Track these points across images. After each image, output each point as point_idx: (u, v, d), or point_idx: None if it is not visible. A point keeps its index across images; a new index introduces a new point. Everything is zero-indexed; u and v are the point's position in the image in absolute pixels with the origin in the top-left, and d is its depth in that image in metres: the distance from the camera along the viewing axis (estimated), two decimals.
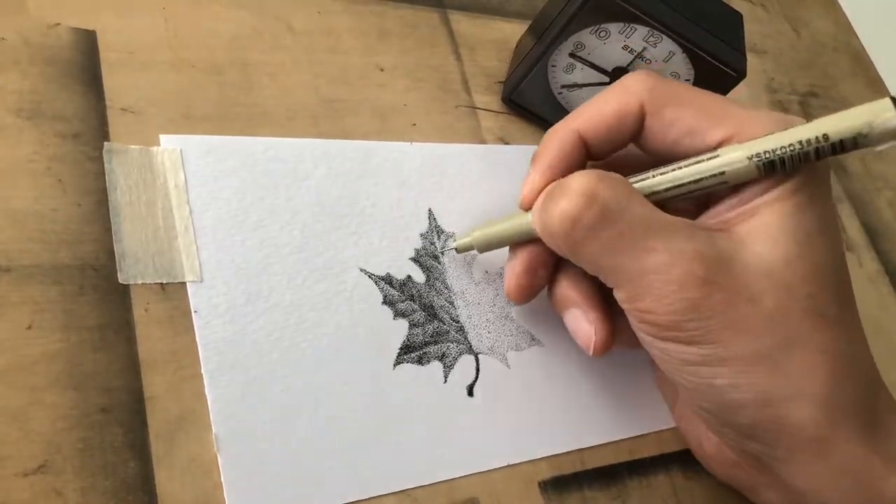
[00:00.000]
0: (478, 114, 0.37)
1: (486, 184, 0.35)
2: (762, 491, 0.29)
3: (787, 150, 0.24)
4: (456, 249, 0.31)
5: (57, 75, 0.28)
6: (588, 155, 0.28)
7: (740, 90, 0.36)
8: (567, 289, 0.29)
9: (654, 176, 0.27)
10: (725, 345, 0.25)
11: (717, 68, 0.34)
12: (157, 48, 0.31)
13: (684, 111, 0.26)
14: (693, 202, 0.28)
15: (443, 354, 0.30)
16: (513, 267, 0.30)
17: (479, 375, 0.30)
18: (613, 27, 0.34)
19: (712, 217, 0.27)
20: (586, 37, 0.35)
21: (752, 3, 0.55)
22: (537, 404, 0.31)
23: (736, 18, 0.36)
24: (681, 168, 0.26)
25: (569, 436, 0.31)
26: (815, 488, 0.26)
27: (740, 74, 0.34)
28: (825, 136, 0.24)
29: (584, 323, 0.29)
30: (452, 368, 0.30)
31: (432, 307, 0.31)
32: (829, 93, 0.53)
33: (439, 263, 0.32)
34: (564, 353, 0.32)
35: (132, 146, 0.28)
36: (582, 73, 0.36)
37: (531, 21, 0.38)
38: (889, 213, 0.49)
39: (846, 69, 0.56)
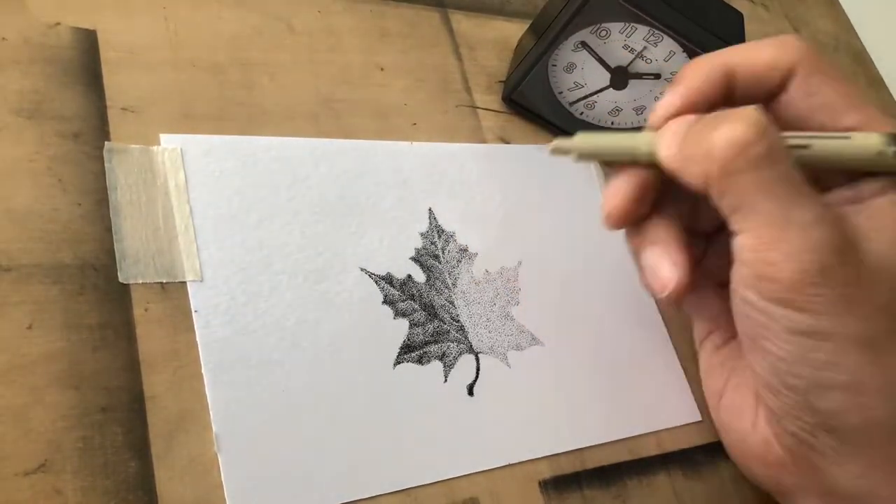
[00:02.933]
0: (478, 113, 0.37)
1: (487, 183, 0.35)
2: (799, 495, 0.28)
3: None
4: (552, 151, 0.28)
5: (57, 75, 0.28)
6: (727, 97, 0.28)
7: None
8: (657, 225, 0.28)
9: (789, 137, 0.26)
10: (837, 319, 0.24)
11: None
12: (157, 48, 0.31)
13: (831, 85, 0.27)
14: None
15: (443, 354, 0.30)
16: (619, 188, 0.28)
17: (480, 375, 0.30)
18: (614, 27, 0.34)
19: (833, 204, 0.27)
20: (587, 36, 0.35)
21: (752, 3, 0.55)
22: (537, 404, 0.31)
23: (737, 18, 0.36)
24: (813, 138, 0.26)
25: (569, 435, 0.31)
26: (865, 492, 0.26)
27: None
28: None
29: (666, 264, 0.28)
30: (453, 368, 0.30)
31: (433, 307, 0.31)
32: None
33: (440, 263, 0.32)
34: (564, 353, 0.32)
35: (132, 146, 0.28)
36: (582, 73, 0.36)
37: (532, 20, 0.38)
38: None
39: (847, 69, 0.56)
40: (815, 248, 0.24)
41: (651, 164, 0.27)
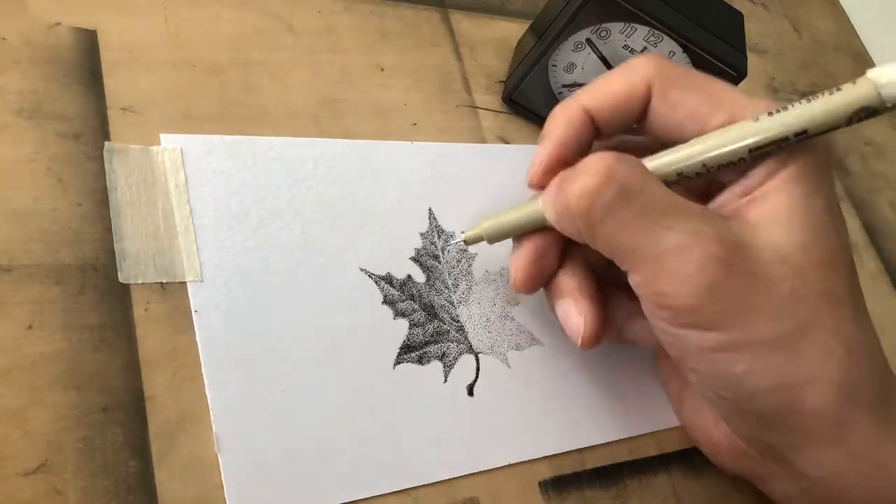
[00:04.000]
0: (478, 113, 0.37)
1: (487, 183, 0.35)
2: (773, 480, 0.29)
3: (772, 143, 0.25)
4: (465, 241, 0.30)
5: (57, 75, 0.28)
6: (595, 133, 0.28)
7: (741, 90, 0.36)
8: (562, 278, 0.29)
9: (666, 156, 0.27)
10: (744, 329, 0.25)
11: (718, 68, 0.34)
12: (157, 48, 0.31)
13: (689, 94, 0.27)
14: (696, 193, 0.28)
15: (443, 354, 0.30)
16: (519, 256, 0.29)
17: (480, 375, 0.30)
18: (614, 27, 0.34)
19: (720, 206, 0.27)
20: (587, 36, 0.34)
21: (752, 3, 0.55)
22: (537, 404, 0.31)
23: (737, 18, 0.36)
24: (693, 146, 0.26)
25: (569, 436, 0.31)
26: (830, 474, 0.26)
27: (741, 74, 0.34)
28: (804, 131, 0.24)
29: (574, 314, 0.28)
30: (452, 368, 0.30)
31: (432, 307, 0.31)
32: None
33: (439, 263, 0.32)
34: (564, 353, 0.32)
35: (133, 146, 0.28)
36: (582, 73, 0.36)
37: (532, 20, 0.38)
38: (889, 212, 0.49)
39: (847, 69, 0.56)
40: (698, 268, 0.24)
41: (545, 227, 0.28)
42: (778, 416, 0.26)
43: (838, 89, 0.24)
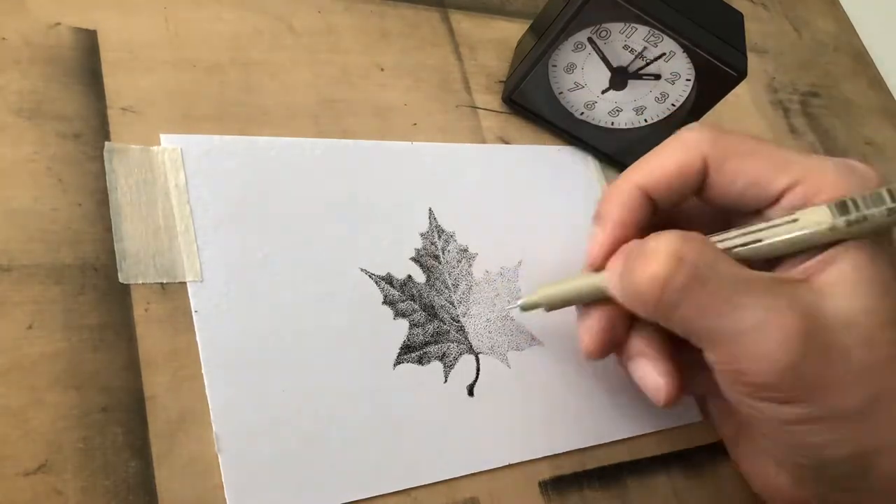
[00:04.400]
0: (478, 113, 0.37)
1: (487, 184, 0.35)
2: None
3: (870, 211, 0.25)
4: (521, 308, 0.30)
5: (57, 75, 0.28)
6: (653, 209, 0.28)
7: (741, 90, 0.36)
8: (636, 340, 0.29)
9: (734, 237, 0.26)
10: (822, 402, 0.24)
11: (718, 68, 0.34)
12: (157, 48, 0.31)
13: (747, 162, 0.26)
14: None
15: (443, 354, 0.30)
16: (590, 327, 0.29)
17: (480, 375, 0.30)
18: (614, 27, 0.34)
19: (790, 267, 0.26)
20: (587, 36, 0.34)
21: (752, 3, 0.55)
22: (537, 404, 0.31)
23: (737, 18, 0.36)
24: (760, 230, 0.26)
25: (569, 436, 0.31)
26: None
27: (741, 74, 0.34)
28: None
29: (653, 374, 0.28)
30: (453, 368, 0.30)
31: (433, 307, 0.31)
32: (831, 92, 0.53)
33: (440, 263, 0.32)
34: (564, 353, 0.32)
35: (133, 146, 0.28)
36: (583, 73, 0.36)
37: (532, 20, 0.38)
38: None
39: (847, 68, 0.56)
40: (778, 346, 0.24)
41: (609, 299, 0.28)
42: (852, 480, 0.26)
43: None
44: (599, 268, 0.28)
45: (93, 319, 0.25)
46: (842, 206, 0.25)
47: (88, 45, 0.29)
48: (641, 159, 0.28)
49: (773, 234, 0.26)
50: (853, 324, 0.24)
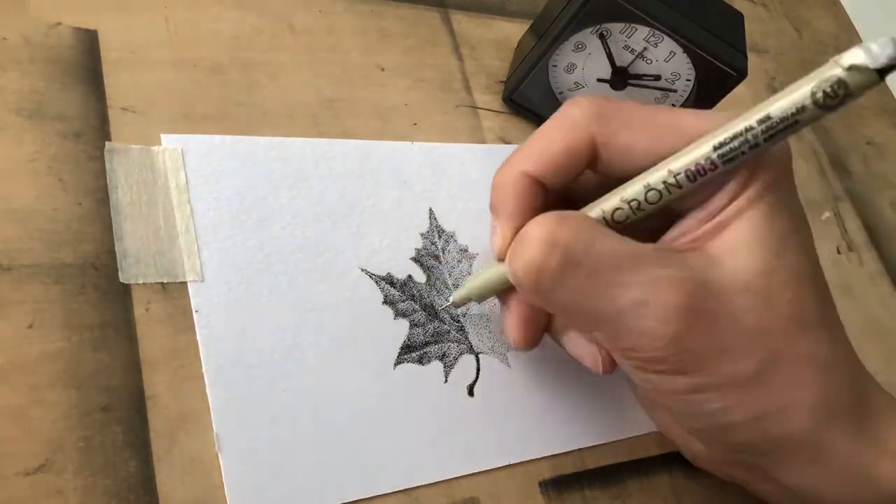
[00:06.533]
0: (479, 113, 0.37)
1: (487, 184, 0.35)
2: (758, 484, 0.29)
3: (738, 138, 0.23)
4: (454, 303, 0.30)
5: (58, 75, 0.28)
6: (545, 193, 0.27)
7: (741, 90, 0.36)
8: (560, 319, 0.28)
9: (614, 195, 0.25)
10: (713, 371, 0.24)
11: (718, 68, 0.34)
12: (158, 48, 0.31)
13: (637, 133, 0.25)
14: (660, 223, 0.27)
15: (443, 354, 0.30)
16: (509, 320, 0.28)
17: (480, 375, 0.30)
18: (614, 27, 0.34)
19: (681, 236, 0.25)
20: (587, 37, 0.35)
21: (753, 3, 0.55)
22: (537, 404, 0.31)
23: (737, 18, 0.36)
24: (634, 183, 0.25)
25: (569, 436, 0.31)
26: (810, 484, 0.26)
27: (741, 74, 0.34)
28: (767, 117, 0.23)
29: (584, 344, 0.28)
30: (453, 368, 0.30)
31: (433, 307, 0.31)
32: None
33: (440, 263, 0.32)
34: (564, 353, 0.32)
35: (133, 146, 0.28)
36: (583, 73, 0.36)
37: (532, 20, 0.38)
38: (890, 212, 0.49)
39: None
40: (659, 322, 0.23)
41: None
42: (754, 444, 0.26)
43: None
44: (501, 257, 0.27)
45: (93, 319, 0.25)
46: (718, 145, 0.23)
47: (89, 45, 0.29)
48: (527, 142, 0.27)
49: (652, 195, 0.25)
50: (749, 288, 0.24)
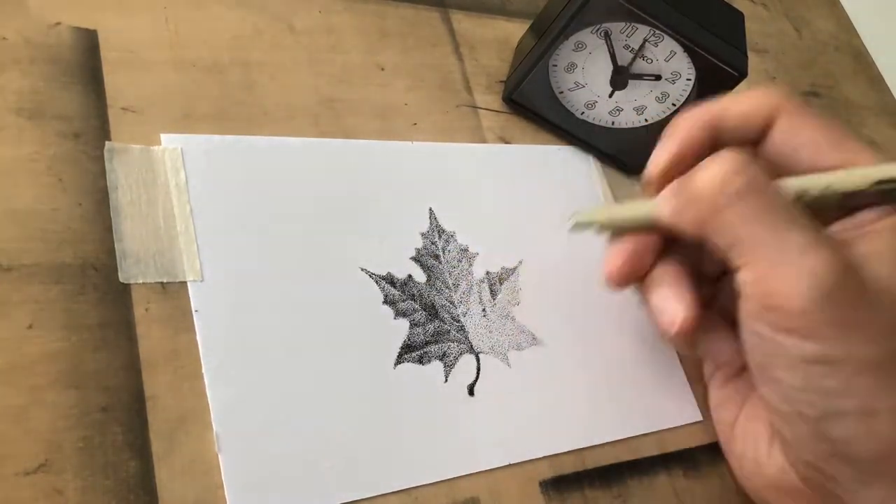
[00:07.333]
0: (479, 113, 0.37)
1: (487, 183, 0.35)
2: None
3: None
4: (574, 226, 0.30)
5: (58, 75, 0.28)
6: (713, 146, 0.28)
7: (741, 90, 0.36)
8: (660, 270, 0.29)
9: (790, 179, 0.27)
10: (845, 344, 0.24)
11: (719, 67, 0.34)
12: (157, 47, 0.31)
13: (809, 126, 0.28)
14: None
15: (443, 354, 0.30)
16: (620, 251, 0.29)
17: (480, 375, 0.30)
18: (615, 27, 0.34)
19: (833, 234, 0.27)
20: (587, 36, 0.35)
21: (753, 3, 0.55)
22: (538, 404, 0.31)
23: (737, 17, 0.36)
24: (815, 178, 0.27)
25: (569, 435, 0.31)
26: None
27: (741, 74, 0.34)
28: None
29: (672, 300, 0.29)
30: (453, 368, 0.30)
31: (433, 306, 0.31)
32: (831, 92, 0.53)
33: (440, 263, 0.32)
34: (565, 353, 0.32)
35: (133, 145, 0.28)
36: (583, 73, 0.36)
37: (532, 20, 0.38)
38: None
39: (848, 68, 0.56)
40: (816, 273, 0.24)
41: (654, 228, 0.29)
42: (854, 444, 0.25)
43: None
44: (656, 181, 0.29)
45: (93, 319, 0.25)
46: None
47: (89, 45, 0.29)
48: (718, 98, 0.29)
49: (818, 179, 0.27)
50: (889, 289, 0.25)
